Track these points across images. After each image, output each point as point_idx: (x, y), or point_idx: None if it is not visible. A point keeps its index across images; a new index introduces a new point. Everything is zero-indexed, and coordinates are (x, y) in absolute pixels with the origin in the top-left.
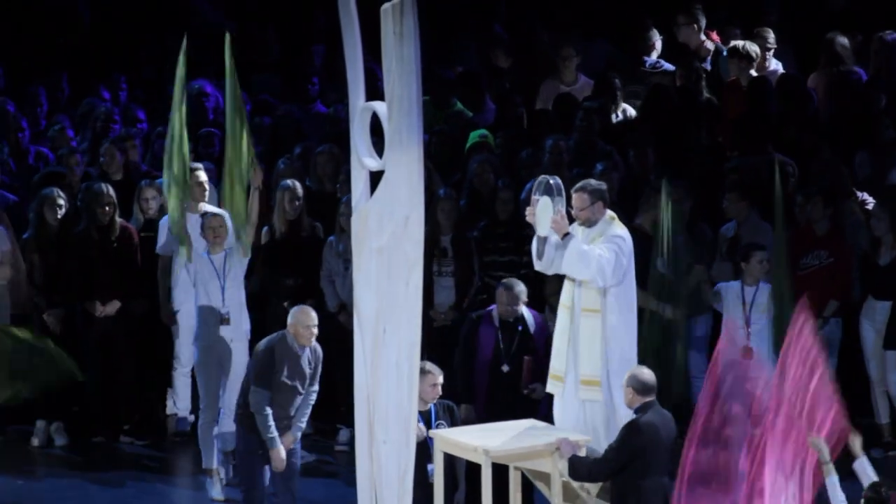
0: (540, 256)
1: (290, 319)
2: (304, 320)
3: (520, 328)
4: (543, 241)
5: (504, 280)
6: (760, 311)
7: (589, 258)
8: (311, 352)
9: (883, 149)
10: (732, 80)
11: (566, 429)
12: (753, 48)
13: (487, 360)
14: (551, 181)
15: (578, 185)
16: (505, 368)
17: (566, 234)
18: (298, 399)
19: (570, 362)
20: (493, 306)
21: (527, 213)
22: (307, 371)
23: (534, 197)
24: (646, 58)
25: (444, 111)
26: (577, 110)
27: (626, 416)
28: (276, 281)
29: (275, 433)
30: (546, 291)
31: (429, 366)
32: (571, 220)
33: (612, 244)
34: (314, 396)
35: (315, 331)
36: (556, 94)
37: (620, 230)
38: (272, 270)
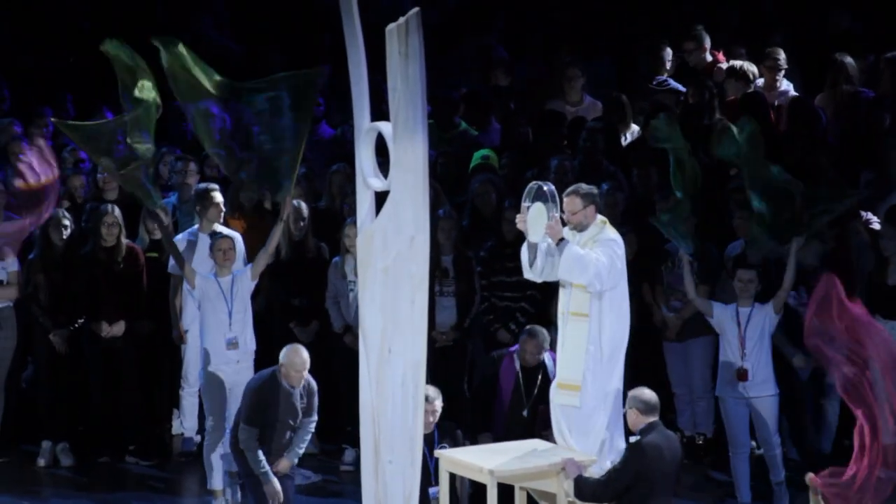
0: (531, 264)
1: (281, 359)
2: (295, 363)
3: (541, 374)
4: (534, 248)
5: (528, 327)
6: (756, 331)
7: (586, 262)
8: (302, 387)
9: (888, 168)
10: (731, 99)
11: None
12: (752, 69)
13: (507, 402)
14: (545, 187)
15: (570, 189)
16: (524, 413)
17: (561, 240)
18: (291, 433)
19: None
20: (515, 346)
21: (517, 219)
22: (299, 407)
23: (524, 204)
24: (657, 77)
25: (448, 133)
26: (582, 130)
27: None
28: (282, 301)
29: (266, 467)
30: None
31: (429, 390)
32: (564, 224)
33: (607, 248)
34: (313, 426)
35: (305, 374)
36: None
37: (613, 234)
38: (278, 291)
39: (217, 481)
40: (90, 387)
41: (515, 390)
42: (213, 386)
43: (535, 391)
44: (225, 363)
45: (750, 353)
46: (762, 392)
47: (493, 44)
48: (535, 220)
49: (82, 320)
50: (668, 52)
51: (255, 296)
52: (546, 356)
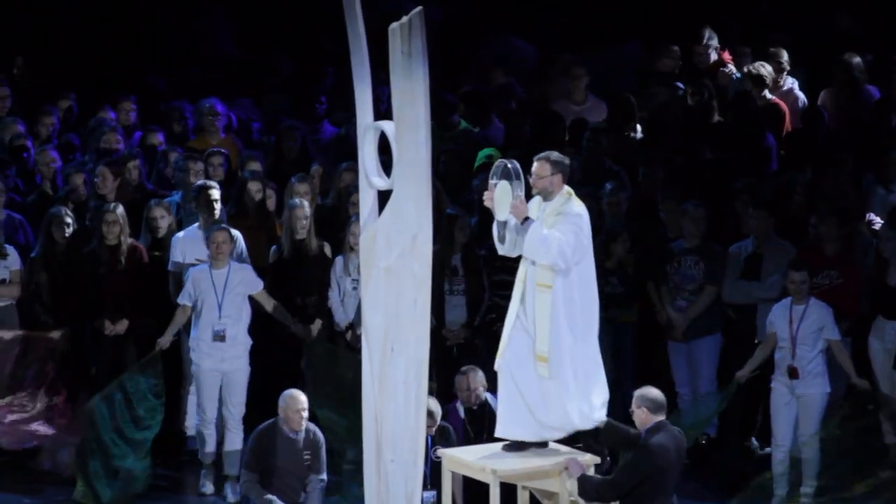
0: (502, 241)
1: (280, 404)
2: (293, 405)
3: (487, 413)
4: (503, 225)
5: (463, 368)
6: (808, 330)
7: (549, 242)
8: (306, 437)
9: (890, 169)
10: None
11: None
12: (766, 69)
13: None
14: (509, 165)
15: (541, 154)
16: None
17: (526, 219)
18: (298, 485)
19: (517, 338)
20: (455, 401)
21: (485, 197)
22: (304, 458)
23: (491, 182)
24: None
25: (449, 132)
26: (585, 130)
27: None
28: (285, 300)
29: (271, 497)
30: None
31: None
32: (529, 195)
33: (571, 225)
34: (323, 485)
35: (305, 415)
36: (567, 114)
37: (578, 207)
38: (280, 290)
39: (206, 456)
40: (94, 385)
41: (466, 440)
42: (200, 374)
43: (485, 434)
44: (211, 352)
45: (801, 351)
46: (810, 388)
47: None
48: (501, 197)
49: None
50: (677, 53)
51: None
52: (486, 395)
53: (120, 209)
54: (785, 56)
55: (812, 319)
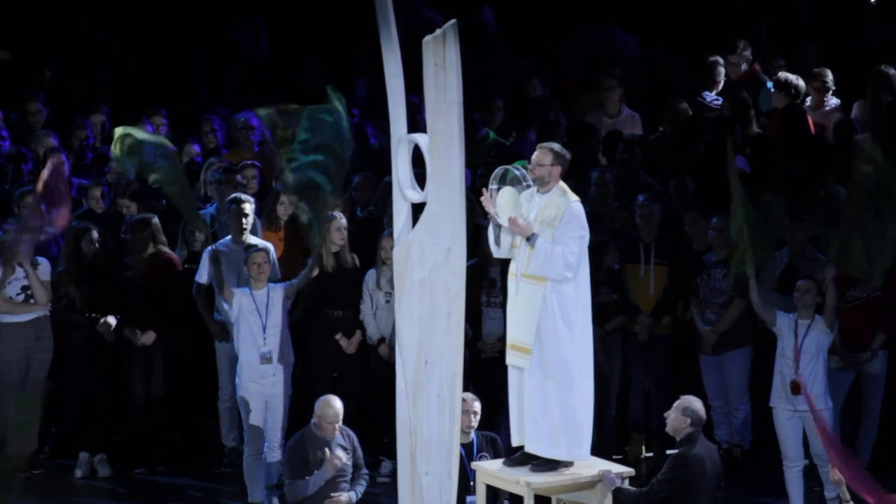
0: (497, 243)
1: (315, 410)
2: (328, 415)
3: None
4: (499, 228)
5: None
6: (813, 345)
7: (554, 259)
8: (343, 437)
9: None
10: (774, 110)
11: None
12: (798, 83)
13: None
14: (517, 172)
15: (544, 143)
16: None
17: (530, 236)
18: (339, 485)
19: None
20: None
21: (483, 200)
22: (345, 461)
23: (492, 186)
24: (706, 93)
25: (477, 146)
26: (619, 142)
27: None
28: (324, 313)
29: (317, 481)
30: None
31: (464, 394)
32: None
33: (576, 229)
34: (367, 477)
35: (338, 426)
36: (601, 125)
37: (576, 203)
38: (320, 302)
39: (257, 494)
40: (128, 397)
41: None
42: (248, 398)
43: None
44: (260, 377)
45: (804, 367)
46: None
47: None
48: (504, 203)
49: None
50: (721, 71)
51: (293, 308)
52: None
53: (155, 219)
54: (829, 76)
55: (815, 334)
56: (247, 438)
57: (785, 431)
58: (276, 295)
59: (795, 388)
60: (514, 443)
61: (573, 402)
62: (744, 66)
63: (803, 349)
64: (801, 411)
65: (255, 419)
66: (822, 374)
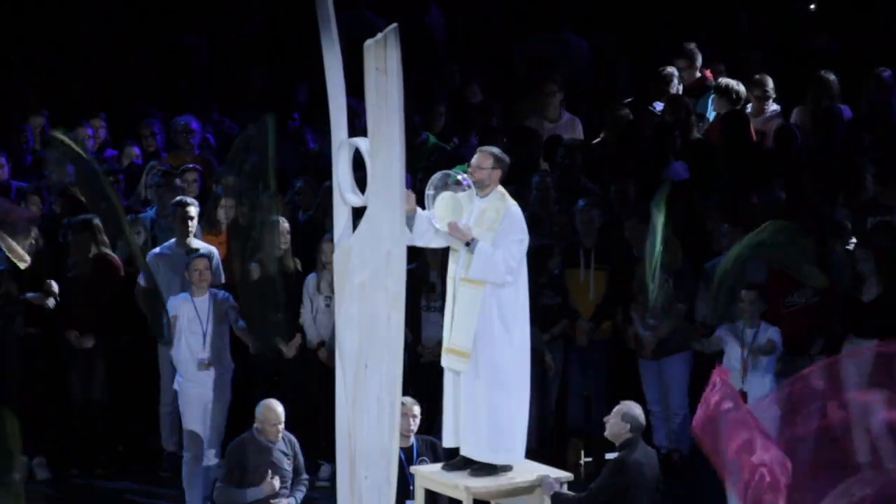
0: (410, 229)
1: (257, 415)
2: (270, 418)
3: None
4: (424, 220)
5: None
6: (760, 353)
7: (496, 264)
8: (284, 443)
9: (863, 187)
10: (717, 116)
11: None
12: (738, 89)
13: None
14: (459, 177)
15: (485, 147)
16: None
17: (469, 242)
18: (280, 490)
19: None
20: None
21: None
22: (286, 466)
23: (428, 192)
24: (657, 103)
25: (417, 150)
26: (560, 147)
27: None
28: (266, 318)
29: (247, 492)
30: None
31: (403, 398)
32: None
33: (516, 233)
34: (306, 483)
35: (281, 427)
36: (542, 130)
37: (515, 208)
38: (263, 307)
39: (195, 500)
40: (67, 400)
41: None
42: (187, 403)
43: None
44: (199, 382)
45: (753, 377)
46: (759, 414)
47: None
48: (444, 208)
49: None
50: (675, 82)
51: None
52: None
53: (96, 220)
54: (770, 84)
55: (762, 341)
56: (186, 443)
57: None
58: (222, 306)
59: (742, 397)
60: (446, 444)
61: (510, 407)
62: (697, 74)
63: (751, 360)
64: None
65: (193, 424)
66: (770, 380)
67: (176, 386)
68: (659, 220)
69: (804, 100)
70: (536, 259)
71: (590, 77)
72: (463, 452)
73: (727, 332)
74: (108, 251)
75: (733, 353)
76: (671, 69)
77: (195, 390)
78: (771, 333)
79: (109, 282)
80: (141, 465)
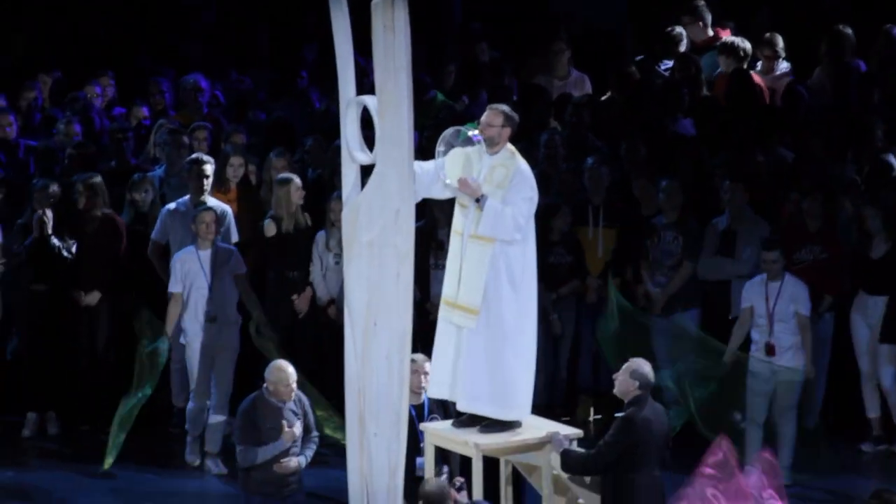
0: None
1: (267, 376)
2: (282, 379)
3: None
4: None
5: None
6: (785, 307)
7: (505, 219)
8: (294, 403)
9: (873, 145)
10: (720, 74)
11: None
12: (744, 45)
13: None
14: (466, 132)
15: (494, 105)
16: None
17: (479, 198)
18: (292, 448)
19: (454, 287)
20: None
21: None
22: (297, 424)
23: (439, 148)
24: (665, 61)
25: (425, 108)
26: (568, 105)
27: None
28: (281, 274)
29: (271, 451)
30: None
31: (414, 355)
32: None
33: (526, 190)
34: (317, 441)
35: (294, 387)
36: (551, 88)
37: (524, 166)
38: (277, 264)
39: (195, 453)
40: (77, 356)
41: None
42: (193, 355)
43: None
44: (205, 334)
45: (779, 328)
46: (787, 363)
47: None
48: (454, 165)
49: None
50: (684, 42)
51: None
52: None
53: (97, 179)
54: (780, 42)
55: (788, 295)
56: (191, 395)
57: (755, 388)
58: (224, 257)
59: (770, 350)
60: (433, 394)
61: (517, 364)
62: (709, 32)
63: (776, 311)
64: (775, 371)
65: (200, 376)
66: (795, 330)
67: (182, 339)
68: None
69: (817, 57)
70: (545, 217)
71: (626, 29)
72: (468, 408)
73: (752, 287)
74: (110, 211)
75: (759, 308)
76: (679, 29)
77: (200, 343)
78: (795, 284)
79: (116, 241)
80: (149, 422)
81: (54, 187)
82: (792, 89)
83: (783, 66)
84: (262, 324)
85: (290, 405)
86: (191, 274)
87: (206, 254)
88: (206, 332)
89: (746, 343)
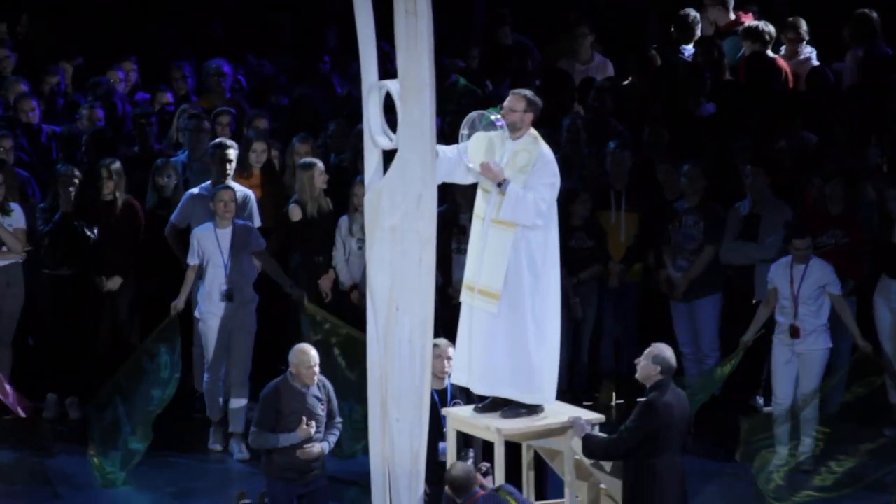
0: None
1: (290, 359)
2: (305, 361)
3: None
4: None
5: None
6: (810, 290)
7: (526, 204)
8: (318, 388)
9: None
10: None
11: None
12: (768, 29)
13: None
14: (489, 116)
15: (517, 90)
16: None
17: (501, 183)
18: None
19: (475, 271)
20: None
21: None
22: (319, 411)
23: (462, 131)
24: (684, 47)
25: (447, 92)
26: (591, 89)
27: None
28: (307, 258)
29: (280, 437)
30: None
31: (437, 340)
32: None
33: (548, 176)
34: (340, 427)
35: (316, 370)
36: (573, 72)
37: (547, 151)
38: (303, 248)
39: (215, 412)
40: (98, 341)
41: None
42: (208, 331)
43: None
44: (218, 311)
45: (803, 310)
46: (811, 345)
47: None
48: (477, 149)
49: None
50: (699, 26)
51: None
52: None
53: (117, 164)
54: (804, 26)
55: (814, 278)
56: (207, 366)
57: (779, 371)
58: (243, 234)
59: (794, 332)
60: (454, 380)
61: (540, 348)
62: (731, 16)
63: (801, 293)
64: (799, 353)
65: (216, 351)
66: (820, 313)
67: (197, 314)
68: None
69: (841, 41)
70: (567, 202)
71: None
72: (489, 392)
73: (777, 268)
74: (128, 195)
75: (783, 290)
76: (694, 13)
77: (216, 321)
78: (821, 266)
79: (137, 226)
80: (171, 406)
81: (76, 173)
82: (815, 73)
83: (807, 50)
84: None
85: (314, 390)
86: (208, 251)
87: (224, 232)
88: (221, 311)
89: (771, 326)
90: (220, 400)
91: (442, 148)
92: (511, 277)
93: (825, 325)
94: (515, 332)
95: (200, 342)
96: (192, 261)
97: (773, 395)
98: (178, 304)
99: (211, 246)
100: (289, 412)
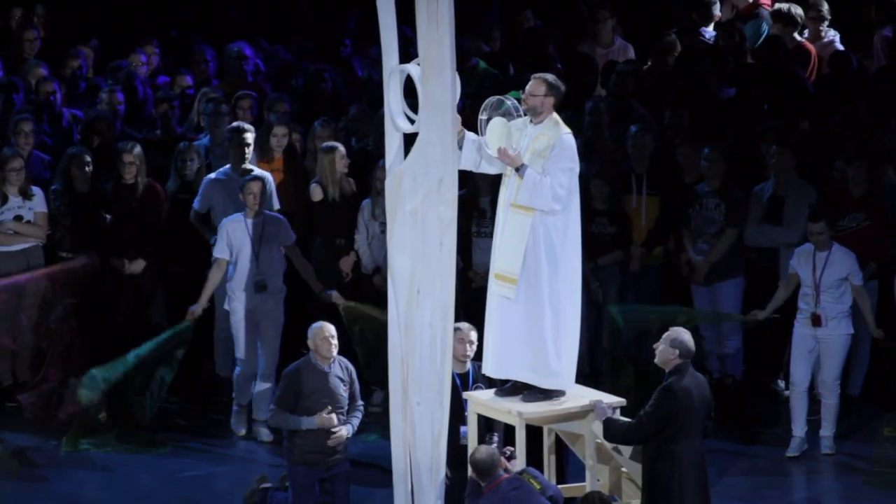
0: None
1: (309, 336)
2: (321, 332)
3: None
4: (477, 148)
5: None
6: (832, 278)
7: (543, 189)
8: (340, 369)
9: None
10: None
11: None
12: (798, 11)
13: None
14: (508, 102)
15: (538, 74)
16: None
17: (518, 168)
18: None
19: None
20: None
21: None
22: (342, 392)
23: (481, 116)
24: (704, 29)
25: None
26: (612, 73)
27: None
28: (329, 241)
29: (301, 420)
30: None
31: (459, 324)
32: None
33: (566, 161)
34: (362, 409)
35: (334, 342)
36: (594, 56)
37: (567, 136)
38: (325, 231)
39: (245, 397)
40: (120, 325)
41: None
42: (238, 321)
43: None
44: (248, 300)
45: (825, 298)
46: (833, 331)
47: None
48: (495, 134)
49: None
50: (717, 7)
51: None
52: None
53: (137, 149)
54: (825, 6)
55: (836, 267)
56: (238, 358)
57: (799, 356)
58: (273, 227)
59: (816, 320)
60: (485, 371)
61: (559, 333)
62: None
63: (823, 281)
64: (820, 339)
65: (247, 341)
66: (845, 303)
67: (226, 306)
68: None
69: (866, 24)
70: (587, 186)
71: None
72: (508, 375)
73: (800, 254)
74: (148, 178)
75: (805, 278)
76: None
77: (246, 312)
78: (843, 255)
79: (158, 209)
80: (192, 390)
81: (87, 157)
82: (839, 56)
83: (831, 33)
84: (318, 291)
85: (336, 371)
86: (238, 242)
87: (255, 223)
88: (250, 300)
89: (793, 311)
90: (248, 387)
91: (472, 136)
92: (528, 262)
93: (847, 311)
94: (533, 317)
95: (223, 326)
96: (221, 255)
97: (791, 378)
98: (197, 310)
99: (241, 237)
100: (310, 391)
